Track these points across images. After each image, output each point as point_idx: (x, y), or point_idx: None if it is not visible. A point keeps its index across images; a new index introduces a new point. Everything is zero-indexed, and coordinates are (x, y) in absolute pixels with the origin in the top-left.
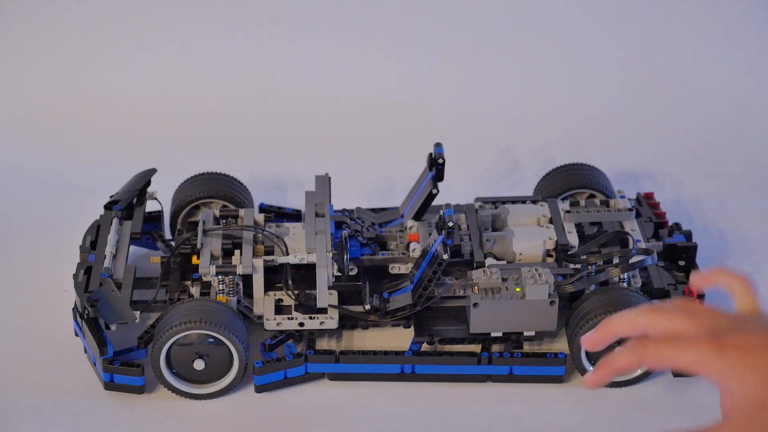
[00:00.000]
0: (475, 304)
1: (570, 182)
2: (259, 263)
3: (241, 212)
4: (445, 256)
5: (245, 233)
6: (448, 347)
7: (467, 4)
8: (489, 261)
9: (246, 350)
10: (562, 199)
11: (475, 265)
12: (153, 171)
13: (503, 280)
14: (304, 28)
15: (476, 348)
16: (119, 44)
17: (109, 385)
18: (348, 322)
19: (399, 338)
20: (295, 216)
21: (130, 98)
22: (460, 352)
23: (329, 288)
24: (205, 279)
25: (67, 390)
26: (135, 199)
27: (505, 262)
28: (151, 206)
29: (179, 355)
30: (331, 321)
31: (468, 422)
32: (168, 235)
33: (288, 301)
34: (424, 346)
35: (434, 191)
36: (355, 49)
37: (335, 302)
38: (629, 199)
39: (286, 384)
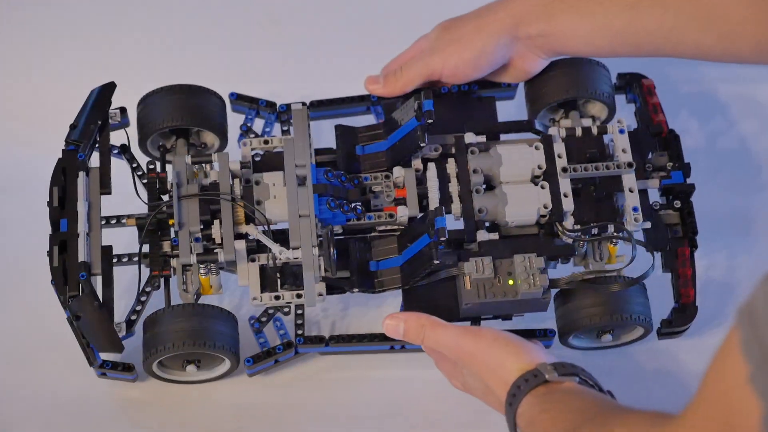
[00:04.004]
0: (466, 304)
1: (565, 88)
2: (241, 246)
3: (215, 157)
4: (435, 261)
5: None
6: None
7: None
8: (481, 235)
9: (237, 354)
10: (556, 117)
11: (466, 240)
12: (112, 87)
13: (495, 271)
14: None
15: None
16: None
17: (102, 375)
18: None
19: (392, 309)
20: (269, 106)
21: None
22: None
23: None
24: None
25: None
26: (98, 134)
27: (497, 237)
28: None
29: (171, 361)
30: (319, 298)
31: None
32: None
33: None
34: None
35: (422, 144)
36: None
37: (323, 291)
38: (627, 126)
39: (278, 366)
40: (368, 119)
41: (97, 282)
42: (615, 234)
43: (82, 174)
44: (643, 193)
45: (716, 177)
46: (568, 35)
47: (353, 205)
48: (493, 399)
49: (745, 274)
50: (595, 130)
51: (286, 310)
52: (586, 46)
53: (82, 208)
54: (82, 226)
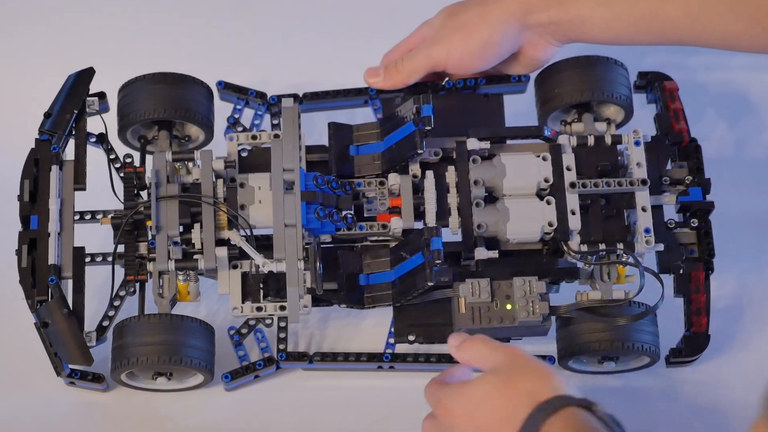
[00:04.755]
0: (459, 329)
1: (579, 89)
2: (222, 254)
3: (197, 155)
4: (430, 283)
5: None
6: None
7: None
8: (479, 253)
9: (212, 370)
10: (568, 118)
11: (463, 258)
12: (90, 73)
13: (492, 294)
14: None
15: None
16: None
17: (71, 384)
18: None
19: (377, 331)
20: (259, 96)
21: None
22: (442, 354)
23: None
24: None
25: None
26: (73, 123)
27: (497, 254)
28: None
29: (141, 371)
30: (304, 310)
31: None
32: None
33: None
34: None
35: (420, 150)
36: None
37: (308, 304)
38: (642, 137)
39: (257, 381)
40: (366, 112)
41: (68, 286)
42: (622, 260)
43: (55, 168)
44: (658, 210)
45: (740, 188)
46: (585, 23)
47: (344, 214)
48: None
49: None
50: (608, 140)
51: (268, 322)
52: (604, 33)
53: (54, 204)
54: (53, 225)
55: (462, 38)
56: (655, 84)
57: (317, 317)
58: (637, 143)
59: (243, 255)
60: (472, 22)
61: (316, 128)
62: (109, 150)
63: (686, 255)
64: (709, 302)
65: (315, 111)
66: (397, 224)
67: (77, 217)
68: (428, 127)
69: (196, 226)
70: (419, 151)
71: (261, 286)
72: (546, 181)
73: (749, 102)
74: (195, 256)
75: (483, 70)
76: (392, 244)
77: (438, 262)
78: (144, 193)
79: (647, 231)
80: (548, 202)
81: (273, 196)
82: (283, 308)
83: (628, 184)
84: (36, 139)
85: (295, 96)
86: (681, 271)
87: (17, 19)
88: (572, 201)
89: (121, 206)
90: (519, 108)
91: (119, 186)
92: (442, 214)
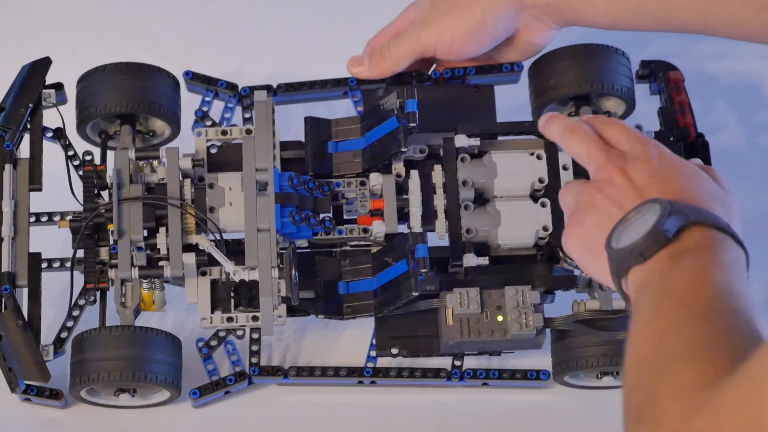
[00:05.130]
0: (446, 343)
1: (576, 81)
2: (190, 260)
3: (163, 152)
4: (414, 293)
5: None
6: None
7: None
8: (468, 260)
9: (179, 386)
10: (565, 112)
11: (450, 265)
12: (47, 63)
13: (482, 305)
14: None
15: (446, 360)
16: None
17: (27, 401)
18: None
19: (358, 343)
20: (230, 88)
21: None
22: (427, 369)
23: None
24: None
25: None
26: (28, 117)
27: (487, 261)
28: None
29: (102, 387)
30: (279, 321)
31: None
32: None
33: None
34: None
35: (403, 149)
36: None
37: (283, 314)
38: (645, 132)
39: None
40: (345, 105)
41: (23, 295)
42: None
43: (8, 167)
44: None
45: (751, 188)
46: (584, 6)
47: (321, 217)
48: None
49: None
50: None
51: (239, 333)
52: (603, 17)
53: (7, 207)
54: (6, 229)
55: (454, 20)
56: (659, 74)
57: (293, 328)
58: None
59: (212, 261)
60: (464, 2)
61: (291, 123)
62: (67, 146)
63: None
64: None
65: (290, 104)
66: (379, 228)
67: (32, 219)
68: (413, 124)
69: (162, 230)
70: (403, 149)
71: (232, 294)
72: (541, 181)
73: (762, 94)
74: (160, 263)
75: (476, 55)
76: (374, 250)
77: (423, 270)
78: (105, 194)
79: None
80: (543, 205)
81: (245, 198)
82: (255, 319)
83: None
84: None
85: (268, 87)
86: None
87: None
88: None
89: (80, 208)
90: (511, 101)
91: (78, 186)
92: (428, 217)
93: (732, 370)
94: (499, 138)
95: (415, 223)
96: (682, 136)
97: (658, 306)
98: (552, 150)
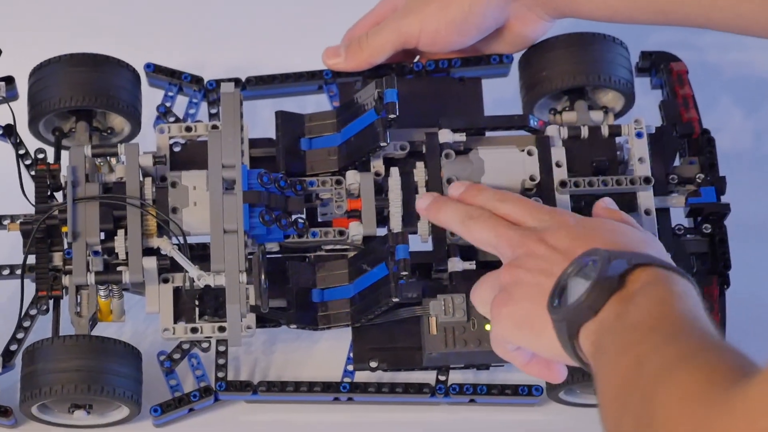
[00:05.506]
0: (430, 353)
1: (570, 73)
2: (151, 265)
3: (121, 149)
4: (395, 299)
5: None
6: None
7: None
8: (453, 264)
9: (138, 401)
10: (558, 106)
11: (434, 270)
12: None
13: (468, 313)
14: None
15: (429, 374)
16: None
17: None
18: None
19: (334, 356)
20: (195, 81)
21: None
22: (409, 384)
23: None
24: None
25: None
26: None
27: (473, 266)
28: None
29: (55, 403)
30: (247, 332)
31: None
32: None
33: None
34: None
35: (382, 143)
36: None
37: (252, 324)
38: (646, 127)
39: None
40: (320, 100)
41: None
42: None
43: None
44: (664, 214)
45: (759, 187)
46: None
47: (294, 218)
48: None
49: None
50: (605, 131)
51: (204, 345)
52: (600, 10)
53: None
54: None
55: (438, 9)
56: (660, 66)
57: (262, 340)
58: (639, 135)
59: (175, 267)
60: None
61: (261, 118)
62: (18, 144)
63: (697, 267)
64: (725, 322)
65: (260, 98)
66: (356, 230)
67: None
68: (393, 116)
69: (120, 232)
70: (382, 144)
71: (196, 303)
72: (532, 179)
73: None
74: (119, 268)
75: (461, 47)
76: (351, 254)
77: (404, 274)
78: (59, 195)
79: None
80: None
81: (210, 197)
82: (222, 329)
83: (628, 183)
84: None
85: (236, 80)
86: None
87: None
88: (563, 203)
89: (32, 210)
90: (500, 94)
91: (30, 186)
92: (410, 218)
93: (733, 375)
94: (487, 133)
95: (396, 224)
96: (686, 132)
97: (625, 341)
98: (544, 146)
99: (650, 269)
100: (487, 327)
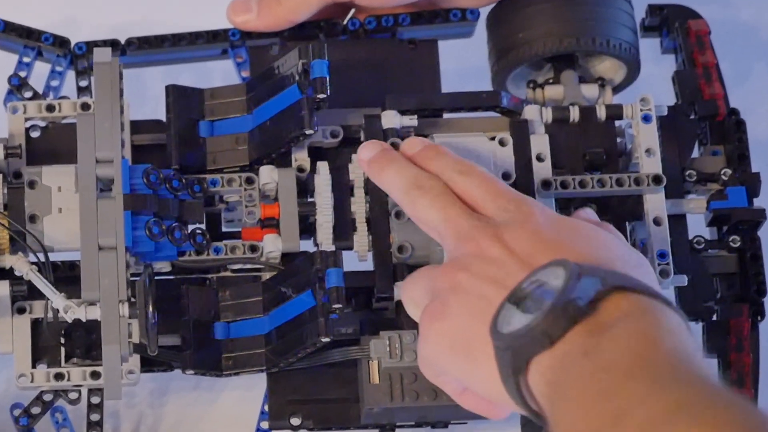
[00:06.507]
0: (370, 408)
1: (556, 34)
2: (2, 291)
3: None
4: (325, 339)
5: None
6: None
7: None
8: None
9: None
10: (539, 77)
11: (375, 298)
12: None
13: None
14: None
15: None
16: None
17: None
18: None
19: (243, 410)
20: (59, 44)
21: None
22: None
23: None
24: None
25: None
26: None
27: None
28: None
29: None
30: (129, 378)
31: None
32: None
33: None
34: None
35: (308, 131)
36: None
37: (135, 369)
38: (655, 108)
39: None
40: (225, 69)
41: None
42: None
43: None
44: (679, 222)
45: None
46: None
47: (191, 229)
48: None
49: None
50: (602, 113)
51: (73, 396)
52: None
53: None
54: None
55: None
56: (674, 24)
57: (149, 389)
58: (646, 119)
59: (34, 293)
60: None
61: (147, 94)
62: None
63: (722, 292)
64: (758, 365)
65: (146, 66)
66: (272, 245)
67: None
68: (322, 96)
69: None
70: (308, 132)
71: (62, 341)
72: (505, 177)
73: None
74: None
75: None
76: (266, 276)
77: (337, 306)
78: None
79: (662, 255)
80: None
81: (80, 202)
82: (96, 376)
83: (632, 183)
84: None
85: (114, 43)
86: (714, 317)
87: None
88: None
89: None
90: (463, 63)
91: None
92: (344, 229)
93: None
94: (446, 116)
95: (325, 237)
96: (708, 114)
97: (597, 386)
98: (521, 133)
99: (631, 296)
100: (406, 338)
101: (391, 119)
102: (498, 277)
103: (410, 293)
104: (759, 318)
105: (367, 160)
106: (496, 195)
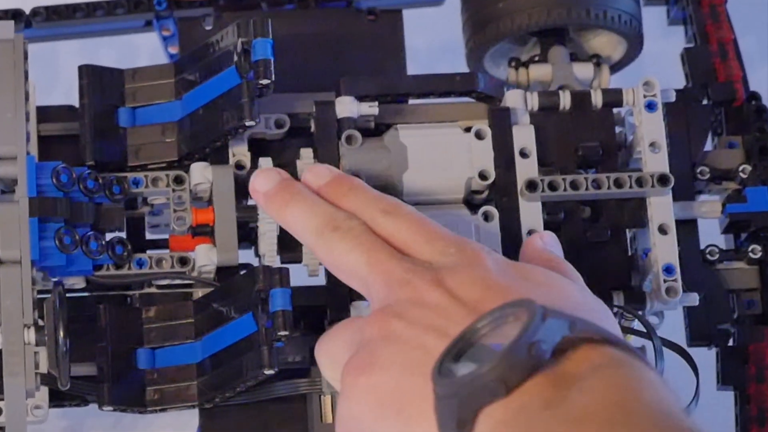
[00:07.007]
0: None
1: (544, 4)
2: None
3: None
4: (268, 371)
5: None
6: None
7: None
8: (358, 310)
9: None
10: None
11: (328, 320)
12: None
13: None
14: None
15: None
16: None
17: None
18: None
19: None
20: None
21: None
22: None
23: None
24: None
25: None
26: None
27: None
28: None
29: None
30: (36, 414)
31: None
32: None
33: None
34: None
35: (248, 122)
36: None
37: (43, 404)
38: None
39: None
40: (149, 44)
41: None
42: (622, 326)
43: None
44: (689, 229)
45: None
46: None
47: (109, 238)
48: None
49: None
50: (597, 99)
51: None
52: None
53: None
54: None
55: None
56: None
57: (61, 427)
58: (650, 106)
59: None
60: None
61: (59, 74)
62: None
63: (739, 312)
64: None
65: (55, 40)
66: (206, 258)
67: None
68: (266, 81)
69: None
70: (248, 123)
71: None
72: (483, 177)
73: None
74: None
75: None
76: (198, 294)
77: (283, 334)
78: None
79: (669, 270)
80: (487, 218)
81: None
82: None
83: (634, 183)
84: None
85: (16, 14)
86: (731, 342)
87: None
88: (531, 214)
89: None
90: (433, 38)
91: None
92: (291, 239)
93: None
94: (412, 102)
95: (268, 249)
96: (723, 99)
97: None
98: (502, 123)
99: (603, 348)
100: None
101: (346, 107)
102: (439, 325)
103: (328, 349)
104: None
105: (263, 193)
106: (431, 237)
